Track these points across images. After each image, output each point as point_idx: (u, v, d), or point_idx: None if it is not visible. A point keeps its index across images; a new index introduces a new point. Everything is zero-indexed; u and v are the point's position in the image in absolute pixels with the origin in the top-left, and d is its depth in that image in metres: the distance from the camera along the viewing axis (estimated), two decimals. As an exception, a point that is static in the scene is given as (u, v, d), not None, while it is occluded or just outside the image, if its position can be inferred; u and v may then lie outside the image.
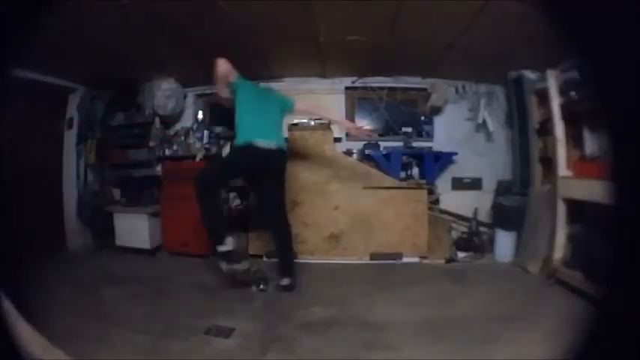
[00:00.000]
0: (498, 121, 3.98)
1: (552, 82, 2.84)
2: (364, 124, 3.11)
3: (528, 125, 3.36)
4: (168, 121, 4.14)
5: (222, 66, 2.50)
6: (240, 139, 2.51)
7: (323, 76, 4.04)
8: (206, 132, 3.96)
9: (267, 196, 2.71)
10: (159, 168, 4.00)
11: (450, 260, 3.40)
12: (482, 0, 2.27)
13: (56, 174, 3.93)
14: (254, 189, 3.08)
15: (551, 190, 2.91)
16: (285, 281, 2.62)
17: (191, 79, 4.02)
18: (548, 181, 3.11)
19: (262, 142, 2.48)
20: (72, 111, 3.98)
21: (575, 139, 2.83)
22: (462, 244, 3.54)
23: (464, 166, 4.01)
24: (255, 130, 2.51)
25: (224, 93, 2.66)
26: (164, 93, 3.82)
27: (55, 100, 3.87)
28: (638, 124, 0.77)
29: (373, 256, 3.39)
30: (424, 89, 4.01)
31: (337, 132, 3.80)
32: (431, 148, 3.93)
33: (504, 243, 3.39)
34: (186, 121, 4.20)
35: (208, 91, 4.25)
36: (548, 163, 3.05)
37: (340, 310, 2.35)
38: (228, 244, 2.48)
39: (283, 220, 2.73)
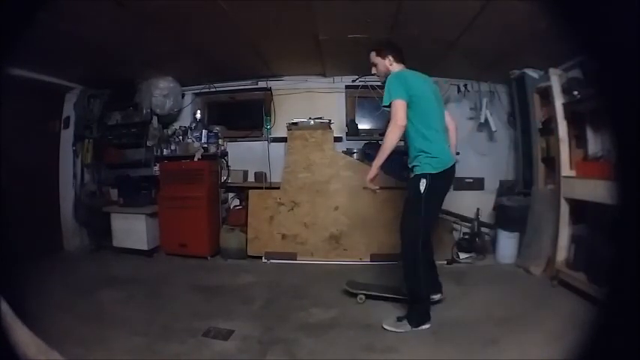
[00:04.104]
0: (501, 120, 3.94)
1: (555, 80, 2.82)
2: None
3: (531, 124, 3.33)
4: (166, 120, 4.10)
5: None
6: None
7: (323, 74, 4.01)
8: (204, 131, 3.92)
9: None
10: (157, 168, 3.97)
11: (451, 261, 3.37)
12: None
13: (53, 174, 3.89)
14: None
15: (554, 190, 2.88)
16: None
17: (189, 78, 3.98)
18: (551, 181, 3.08)
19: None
20: (69, 110, 3.95)
21: (578, 139, 2.80)
22: (464, 245, 3.50)
23: (466, 166, 3.97)
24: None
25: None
26: (162, 92, 3.79)
27: (52, 99, 3.83)
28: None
29: (374, 257, 3.36)
30: (426, 88, 3.98)
31: (337, 131, 3.77)
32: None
33: (507, 244, 3.36)
34: (184, 121, 4.17)
35: (206, 90, 4.23)
36: (551, 162, 3.02)
37: (340, 311, 2.33)
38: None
39: None
